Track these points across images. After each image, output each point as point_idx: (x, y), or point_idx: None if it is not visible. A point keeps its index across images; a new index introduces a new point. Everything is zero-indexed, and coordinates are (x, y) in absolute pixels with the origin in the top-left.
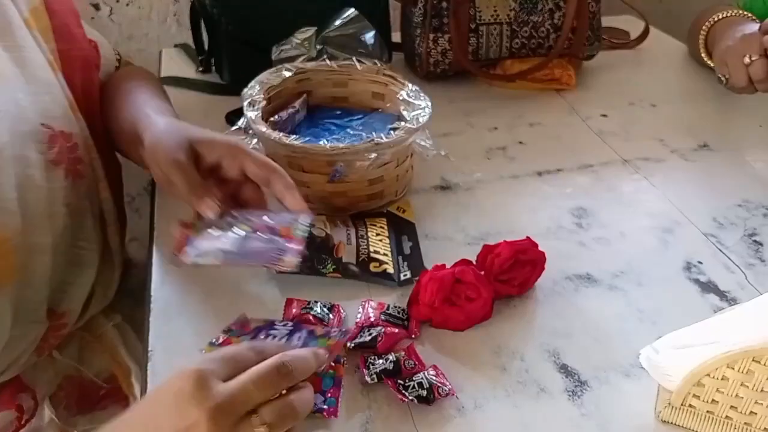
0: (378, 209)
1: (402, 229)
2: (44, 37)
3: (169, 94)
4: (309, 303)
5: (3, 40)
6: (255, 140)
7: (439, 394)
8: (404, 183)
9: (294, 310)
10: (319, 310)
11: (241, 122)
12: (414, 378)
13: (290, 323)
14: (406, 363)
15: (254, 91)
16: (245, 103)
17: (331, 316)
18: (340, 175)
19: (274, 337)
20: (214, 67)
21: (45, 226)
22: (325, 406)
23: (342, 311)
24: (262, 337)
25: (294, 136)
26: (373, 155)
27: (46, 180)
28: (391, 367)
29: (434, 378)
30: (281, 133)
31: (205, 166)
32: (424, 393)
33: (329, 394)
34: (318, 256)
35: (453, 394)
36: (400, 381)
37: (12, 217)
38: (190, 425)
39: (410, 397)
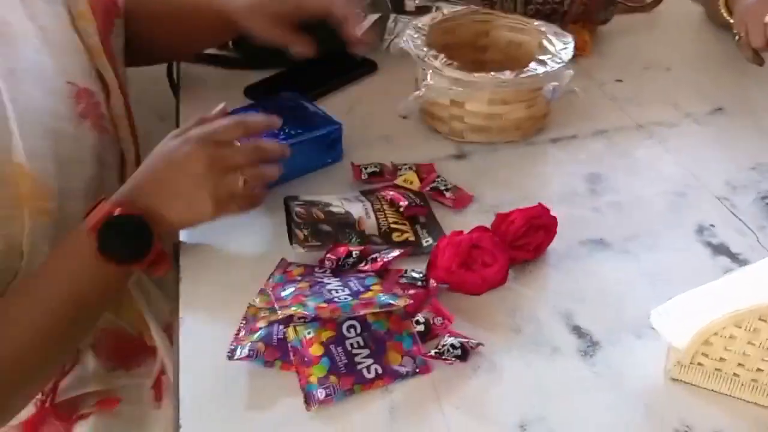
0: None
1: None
2: None
3: (186, 70)
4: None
5: (25, 4)
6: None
7: (471, 347)
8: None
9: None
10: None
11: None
12: (443, 343)
13: (328, 270)
14: (435, 320)
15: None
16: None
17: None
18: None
19: (321, 281)
20: (231, 42)
21: (76, 172)
22: (417, 368)
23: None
24: (307, 279)
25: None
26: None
27: (75, 129)
28: (422, 329)
29: (457, 338)
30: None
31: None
32: (459, 352)
33: (415, 352)
34: (342, 231)
35: (482, 345)
36: (435, 351)
37: (44, 161)
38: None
39: (451, 359)
